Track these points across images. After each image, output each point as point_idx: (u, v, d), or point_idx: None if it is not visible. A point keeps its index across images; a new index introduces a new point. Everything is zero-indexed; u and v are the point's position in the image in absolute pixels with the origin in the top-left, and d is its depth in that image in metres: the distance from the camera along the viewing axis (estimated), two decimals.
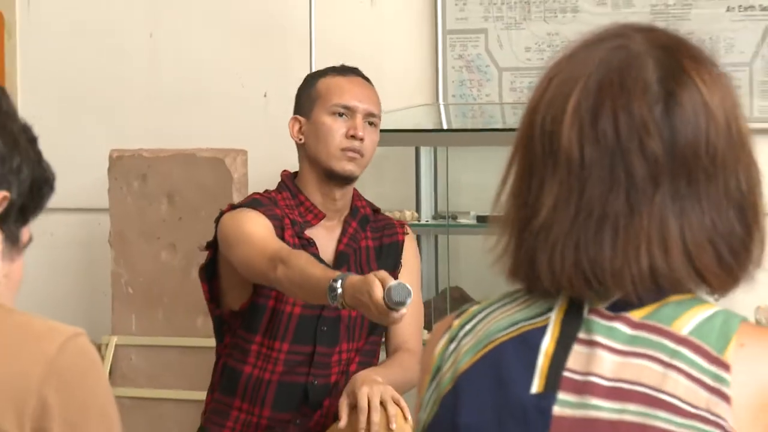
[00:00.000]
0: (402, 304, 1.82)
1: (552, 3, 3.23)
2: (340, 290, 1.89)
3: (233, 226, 2.21)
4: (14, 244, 0.90)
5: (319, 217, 2.32)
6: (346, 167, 2.29)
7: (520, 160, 0.77)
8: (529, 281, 0.76)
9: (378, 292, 1.81)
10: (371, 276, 1.87)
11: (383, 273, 1.89)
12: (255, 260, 2.13)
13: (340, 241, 2.34)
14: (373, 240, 2.39)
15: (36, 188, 0.91)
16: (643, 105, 0.71)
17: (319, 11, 3.19)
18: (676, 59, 0.74)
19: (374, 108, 2.36)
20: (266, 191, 2.39)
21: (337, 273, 1.97)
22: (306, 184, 2.35)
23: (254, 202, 2.28)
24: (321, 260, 2.18)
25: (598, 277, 0.71)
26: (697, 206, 0.72)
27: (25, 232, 0.92)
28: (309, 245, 2.26)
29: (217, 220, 2.27)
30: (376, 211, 2.48)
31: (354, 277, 1.93)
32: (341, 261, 2.28)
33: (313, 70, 2.74)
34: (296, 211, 2.31)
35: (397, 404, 2.08)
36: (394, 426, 2.04)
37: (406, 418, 2.07)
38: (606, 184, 0.71)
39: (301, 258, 2.07)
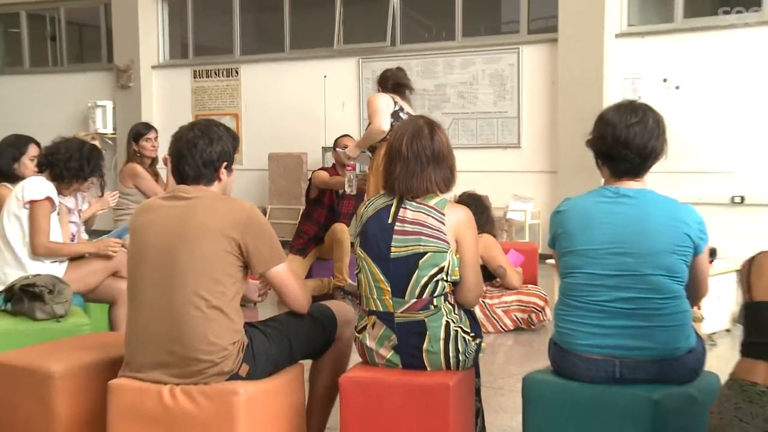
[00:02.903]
0: None
1: None
2: None
3: None
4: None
5: None
6: None
7: (387, 158, 3.30)
8: (388, 191, 3.17)
9: None
10: None
11: None
12: None
13: None
14: None
15: None
16: (425, 139, 3.16)
17: None
18: (430, 125, 3.24)
19: None
20: None
21: None
22: None
23: None
24: None
25: (411, 191, 3.06)
26: (438, 170, 3.16)
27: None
28: None
29: None
30: None
31: None
32: None
33: None
34: None
35: None
36: None
37: None
38: (413, 164, 3.13)
39: None
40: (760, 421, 2.31)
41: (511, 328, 5.40)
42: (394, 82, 5.92)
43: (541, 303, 5.43)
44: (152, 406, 3.00)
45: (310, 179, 6.72)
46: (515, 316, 5.36)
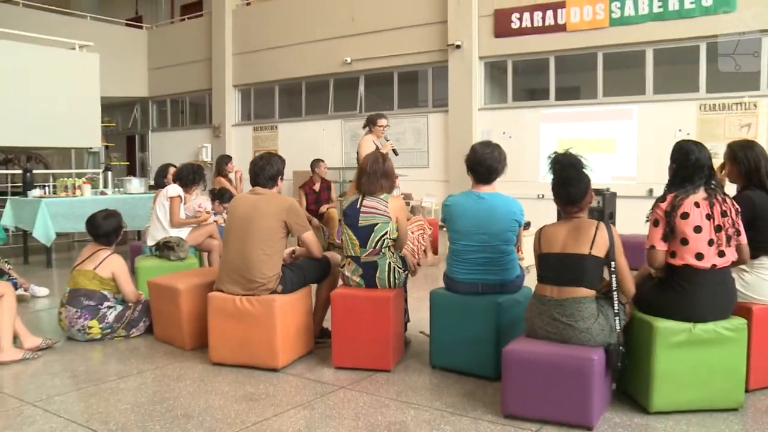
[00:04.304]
0: None
1: None
2: None
3: None
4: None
5: None
6: None
7: (359, 172, 4.57)
8: (358, 191, 4.40)
9: None
10: None
11: None
12: None
13: None
14: None
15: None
16: (379, 164, 4.49)
17: None
18: (383, 156, 4.57)
19: None
20: None
21: None
22: None
23: None
24: None
25: (370, 192, 4.31)
26: (386, 181, 4.51)
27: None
28: None
29: None
30: None
31: None
32: None
33: None
34: None
35: None
36: None
37: None
38: (372, 177, 4.47)
39: None
40: (546, 316, 3.64)
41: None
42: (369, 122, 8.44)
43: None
44: (231, 307, 4.49)
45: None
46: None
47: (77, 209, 8.99)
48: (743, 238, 3.81)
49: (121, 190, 10.95)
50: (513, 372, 3.54)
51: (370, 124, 8.39)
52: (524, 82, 13.62)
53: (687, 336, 3.58)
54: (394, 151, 8.30)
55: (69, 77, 11.65)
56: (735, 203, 3.80)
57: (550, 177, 3.83)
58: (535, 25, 12.07)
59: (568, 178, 3.72)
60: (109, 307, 5.26)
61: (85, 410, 3.83)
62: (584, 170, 3.75)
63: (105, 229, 5.47)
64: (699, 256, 3.62)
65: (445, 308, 4.37)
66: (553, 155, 3.83)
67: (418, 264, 5.22)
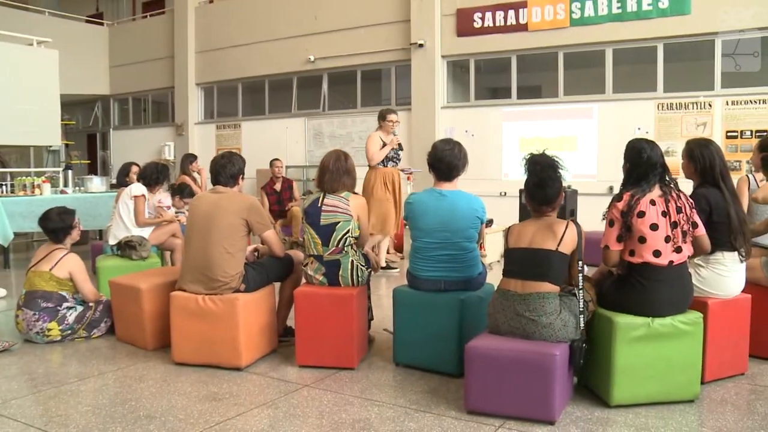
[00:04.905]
0: None
1: None
2: None
3: None
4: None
5: None
6: None
7: (320, 170, 4.55)
8: (320, 188, 4.42)
9: None
10: None
11: None
12: None
13: None
14: None
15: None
16: (341, 161, 4.53)
17: None
18: (345, 154, 4.55)
19: None
20: None
21: None
22: None
23: None
24: None
25: (332, 190, 4.32)
26: (347, 178, 4.48)
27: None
28: None
29: None
30: None
31: None
32: None
33: None
34: None
35: None
36: None
37: None
38: (334, 175, 4.46)
39: None
40: (509, 311, 3.66)
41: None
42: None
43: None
44: (193, 306, 4.45)
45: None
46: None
47: (36, 208, 8.73)
48: (700, 230, 3.88)
49: (82, 188, 10.77)
50: (476, 368, 3.56)
51: (381, 119, 8.12)
52: (486, 80, 13.69)
53: (646, 331, 3.63)
54: (399, 146, 8.18)
55: (27, 74, 11.42)
56: (689, 199, 3.86)
57: (525, 176, 3.83)
58: (497, 24, 12.15)
59: (547, 179, 3.73)
60: (69, 308, 5.16)
61: (43, 413, 3.74)
62: (560, 171, 3.77)
63: (54, 225, 5.35)
64: (657, 254, 3.68)
65: (409, 305, 4.37)
66: (530, 156, 3.83)
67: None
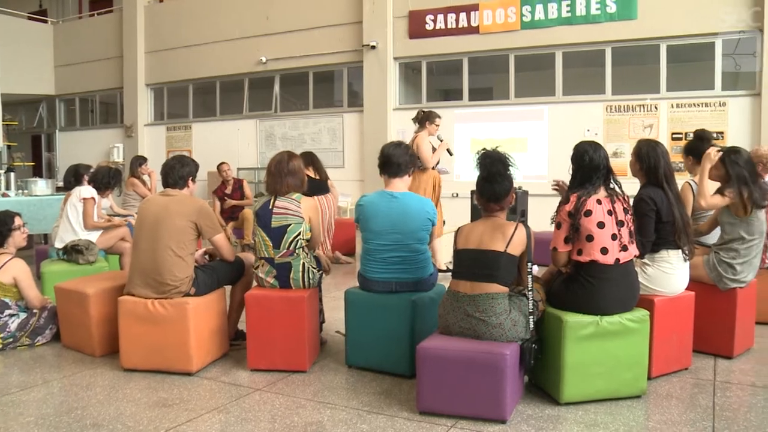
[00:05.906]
0: None
1: None
2: None
3: None
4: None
5: None
6: None
7: (267, 173, 4.46)
8: (269, 192, 4.36)
9: None
10: None
11: None
12: None
13: None
14: None
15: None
16: (284, 163, 4.43)
17: None
18: (289, 155, 4.48)
19: None
20: None
21: None
22: None
23: None
24: None
25: (278, 192, 4.26)
26: (292, 179, 4.40)
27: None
28: None
29: None
30: None
31: None
32: None
33: None
34: None
35: None
36: None
37: None
38: (277, 177, 4.43)
39: None
40: (460, 312, 3.68)
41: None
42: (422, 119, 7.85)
43: None
44: (142, 310, 4.38)
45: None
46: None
47: None
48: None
49: (26, 191, 10.49)
50: (427, 369, 3.57)
51: (426, 121, 7.74)
52: (438, 82, 13.78)
53: (594, 329, 3.69)
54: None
55: None
56: (629, 203, 3.95)
57: (476, 172, 3.85)
58: (449, 26, 12.24)
59: (496, 174, 3.76)
60: (11, 315, 5.02)
61: None
62: (510, 169, 3.81)
63: None
64: (604, 251, 3.74)
65: (360, 307, 4.37)
66: (482, 150, 3.86)
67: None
